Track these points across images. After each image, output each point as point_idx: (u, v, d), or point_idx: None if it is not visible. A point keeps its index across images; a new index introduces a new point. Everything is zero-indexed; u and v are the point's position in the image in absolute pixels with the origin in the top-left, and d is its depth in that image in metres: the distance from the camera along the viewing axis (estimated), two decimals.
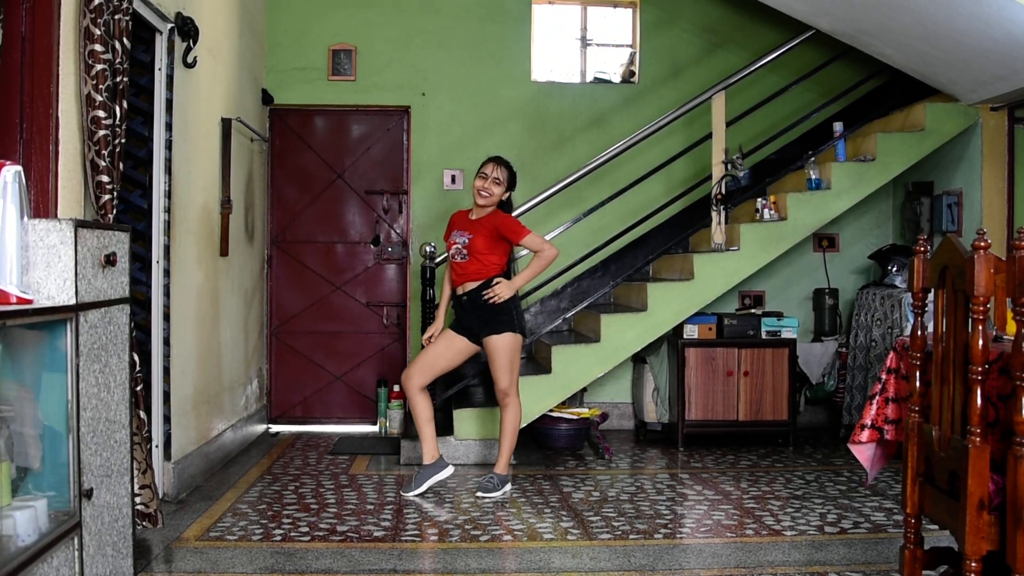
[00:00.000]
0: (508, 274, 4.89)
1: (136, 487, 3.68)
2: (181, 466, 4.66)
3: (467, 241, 4.79)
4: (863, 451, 3.49)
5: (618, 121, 6.84)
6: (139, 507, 3.73)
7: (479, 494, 4.75)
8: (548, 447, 5.94)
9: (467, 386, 6.02)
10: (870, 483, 4.27)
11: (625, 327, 5.73)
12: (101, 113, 3.37)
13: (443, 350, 4.89)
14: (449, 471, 4.88)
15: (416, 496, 4.74)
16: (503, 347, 4.77)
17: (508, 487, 4.82)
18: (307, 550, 3.86)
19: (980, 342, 2.66)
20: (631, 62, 7.07)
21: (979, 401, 2.66)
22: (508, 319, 4.78)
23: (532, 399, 5.56)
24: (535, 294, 6.50)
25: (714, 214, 5.95)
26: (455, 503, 4.65)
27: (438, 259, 5.64)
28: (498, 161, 4.86)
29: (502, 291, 4.75)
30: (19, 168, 2.65)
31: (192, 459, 4.85)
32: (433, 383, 5.61)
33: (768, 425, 6.02)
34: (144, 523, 3.76)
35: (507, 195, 4.89)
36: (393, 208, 6.86)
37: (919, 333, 3.09)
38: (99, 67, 3.35)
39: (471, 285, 4.82)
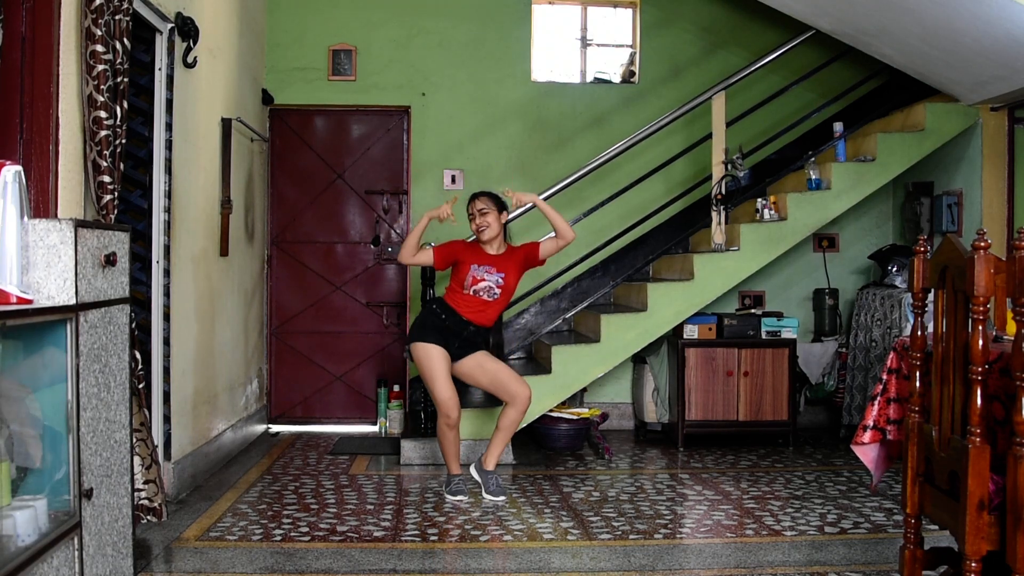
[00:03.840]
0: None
1: (141, 482, 3.69)
2: (181, 466, 4.66)
3: (501, 280, 4.77)
4: (866, 452, 3.49)
5: (618, 121, 6.84)
6: (143, 501, 3.74)
7: (497, 500, 4.68)
8: (548, 447, 5.94)
9: (466, 386, 6.01)
10: (876, 486, 4.27)
11: (625, 327, 5.73)
12: (103, 114, 3.37)
13: (447, 371, 4.77)
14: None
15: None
16: (489, 355, 4.83)
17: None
18: (307, 550, 3.86)
19: (980, 342, 2.66)
20: (631, 62, 7.07)
21: (979, 401, 2.66)
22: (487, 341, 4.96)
23: (532, 399, 5.54)
24: (535, 294, 6.50)
25: (714, 214, 5.95)
26: (455, 503, 4.65)
27: None
28: (477, 195, 4.86)
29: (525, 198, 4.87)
30: (19, 168, 2.65)
31: (192, 459, 4.85)
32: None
33: (768, 425, 6.02)
34: (149, 517, 3.77)
35: (504, 216, 4.86)
36: (393, 208, 6.86)
37: (919, 333, 3.09)
38: (100, 67, 3.35)
39: (480, 321, 4.78)
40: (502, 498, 4.70)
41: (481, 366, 4.79)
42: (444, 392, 4.71)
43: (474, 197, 4.87)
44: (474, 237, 4.92)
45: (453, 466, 4.84)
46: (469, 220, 4.83)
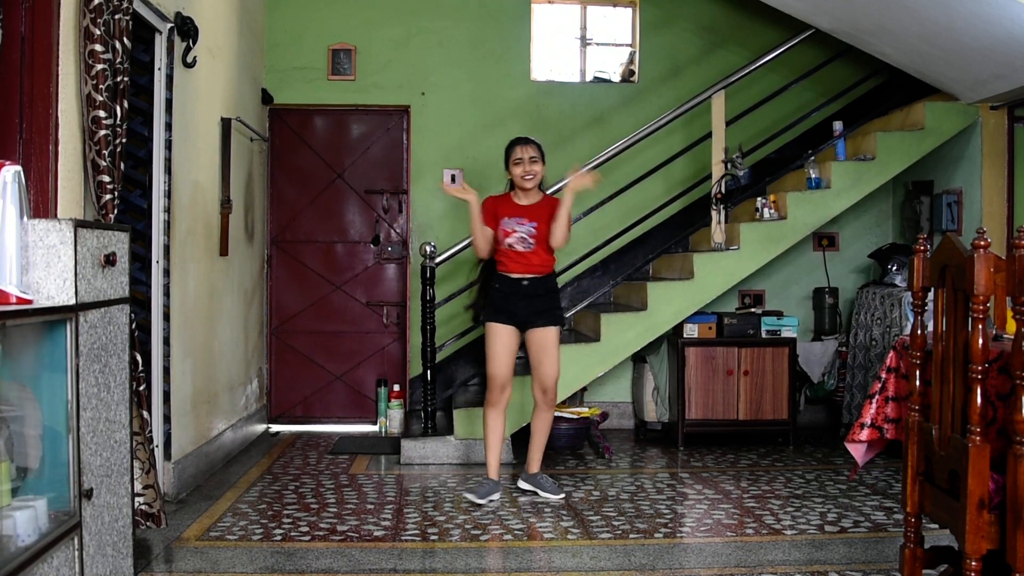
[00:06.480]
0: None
1: (139, 487, 3.69)
2: (181, 466, 4.66)
3: (533, 231, 4.63)
4: (859, 449, 3.50)
5: (618, 120, 6.84)
6: (143, 507, 3.73)
7: (558, 496, 4.69)
8: (548, 446, 5.91)
9: (466, 385, 6.02)
10: (856, 475, 4.28)
11: (625, 326, 5.73)
12: (101, 113, 3.37)
13: (508, 350, 4.68)
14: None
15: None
16: (556, 338, 4.72)
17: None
18: (307, 550, 3.86)
19: (980, 341, 2.66)
20: (631, 61, 7.06)
21: (979, 400, 2.66)
22: (560, 310, 4.78)
23: (531, 398, 5.55)
24: None
25: (714, 213, 5.95)
26: (455, 503, 4.65)
27: (438, 259, 5.63)
28: (526, 141, 4.71)
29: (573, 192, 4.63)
30: (19, 168, 2.65)
31: (192, 459, 4.85)
32: (433, 382, 5.62)
33: (768, 424, 6.02)
34: (148, 523, 3.76)
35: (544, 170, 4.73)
36: (393, 208, 6.86)
37: (919, 332, 3.09)
38: (99, 67, 3.35)
39: (530, 271, 4.66)
40: (561, 495, 4.70)
41: (547, 342, 4.68)
42: (493, 367, 4.65)
43: (523, 142, 4.68)
44: (503, 190, 4.78)
45: (493, 468, 4.73)
46: (513, 165, 4.65)
